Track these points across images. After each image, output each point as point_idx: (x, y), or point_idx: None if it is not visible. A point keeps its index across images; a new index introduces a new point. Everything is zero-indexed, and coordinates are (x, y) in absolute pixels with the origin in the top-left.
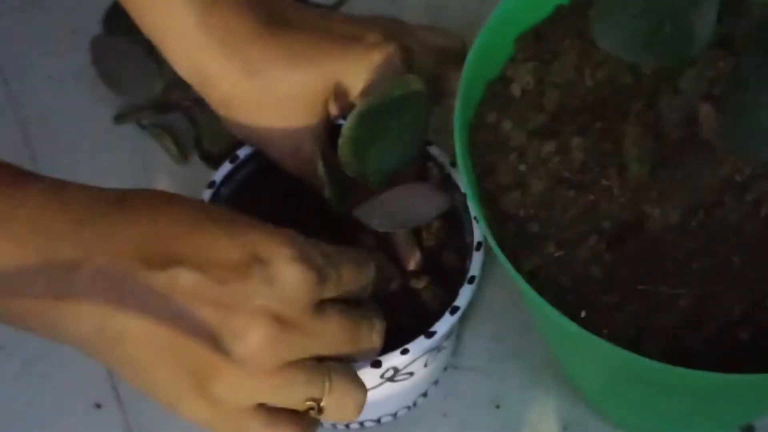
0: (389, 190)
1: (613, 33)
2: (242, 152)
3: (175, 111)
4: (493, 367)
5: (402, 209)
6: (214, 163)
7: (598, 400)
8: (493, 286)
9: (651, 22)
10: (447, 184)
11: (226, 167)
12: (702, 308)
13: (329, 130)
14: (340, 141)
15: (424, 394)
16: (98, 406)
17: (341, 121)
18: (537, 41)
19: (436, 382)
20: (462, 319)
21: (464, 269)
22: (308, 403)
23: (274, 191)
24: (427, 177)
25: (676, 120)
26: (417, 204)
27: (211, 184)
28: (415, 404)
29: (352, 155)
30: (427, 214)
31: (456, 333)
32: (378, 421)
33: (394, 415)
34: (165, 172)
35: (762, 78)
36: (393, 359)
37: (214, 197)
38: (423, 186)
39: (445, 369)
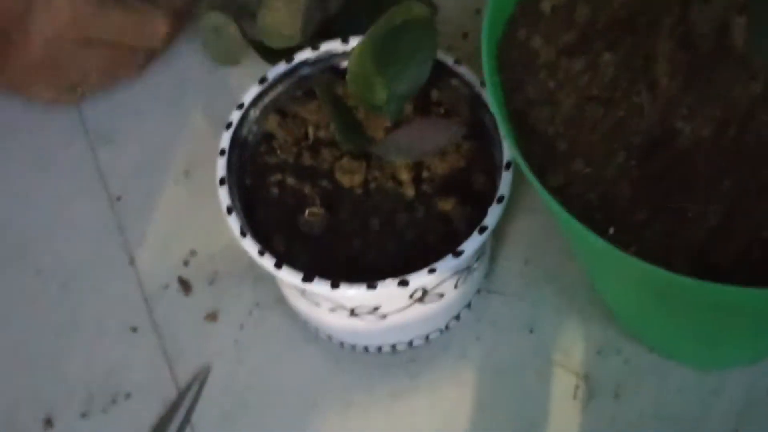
0: (401, 128)
1: None
2: (271, 74)
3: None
4: (527, 291)
5: (416, 143)
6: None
7: (631, 322)
8: (528, 211)
9: None
10: (477, 104)
11: (255, 89)
12: (732, 223)
13: (334, 70)
14: (348, 76)
15: (457, 317)
16: (134, 329)
17: (345, 64)
18: None
19: (468, 305)
20: (496, 243)
21: (494, 189)
22: None
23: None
24: (456, 98)
25: (707, 32)
26: (430, 136)
27: (240, 106)
28: (447, 327)
29: (361, 88)
30: (440, 144)
31: (489, 256)
32: (410, 343)
33: (426, 337)
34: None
35: None
36: (421, 278)
37: (242, 120)
38: (434, 119)
39: (478, 292)
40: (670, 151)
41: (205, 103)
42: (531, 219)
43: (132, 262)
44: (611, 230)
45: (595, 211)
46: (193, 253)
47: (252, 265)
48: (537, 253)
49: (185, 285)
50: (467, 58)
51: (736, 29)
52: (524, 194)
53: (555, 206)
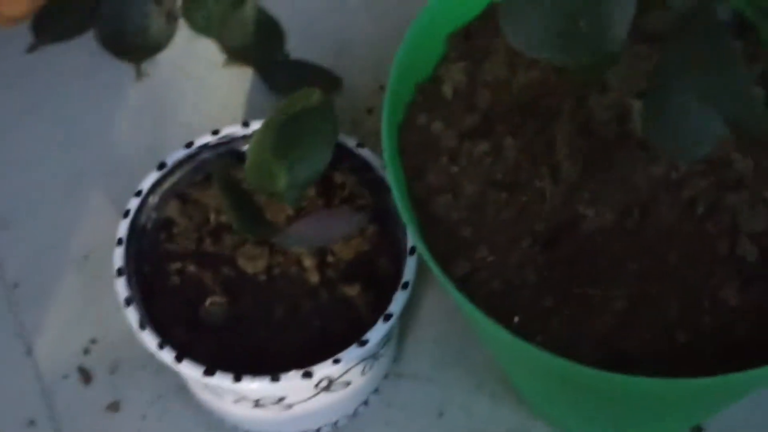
0: (304, 219)
1: (525, 31)
2: (170, 159)
3: None
4: (436, 373)
5: (320, 233)
6: None
7: (541, 405)
8: (434, 292)
9: (563, 18)
10: (381, 187)
11: (154, 175)
12: (638, 310)
13: (234, 154)
14: (247, 164)
15: (365, 403)
16: (32, 423)
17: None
18: (469, 40)
19: (376, 391)
20: (403, 326)
21: (400, 273)
22: None
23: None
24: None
25: (606, 118)
26: (334, 226)
27: (138, 193)
28: (356, 413)
29: (261, 176)
30: (343, 234)
31: (396, 339)
32: (318, 431)
33: (335, 424)
34: None
35: (683, 73)
36: (325, 369)
37: (140, 207)
38: (337, 209)
39: (386, 376)
40: (574, 236)
41: (104, 184)
42: (438, 300)
43: (29, 351)
44: (516, 319)
45: (499, 299)
46: (93, 341)
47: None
48: (445, 334)
49: (85, 374)
50: (372, 134)
51: (635, 114)
52: (431, 274)
53: (459, 297)
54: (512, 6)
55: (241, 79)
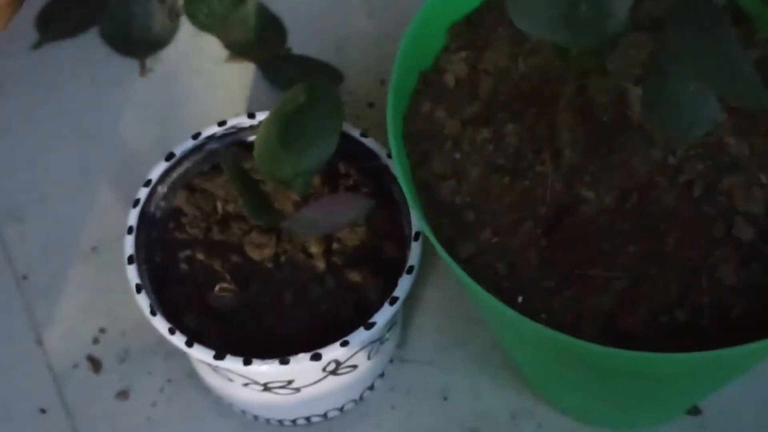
0: (311, 204)
1: (530, 13)
2: (178, 150)
3: None
4: (440, 357)
5: (326, 218)
6: None
7: (543, 386)
8: (437, 277)
9: (567, 1)
10: (385, 176)
11: (162, 165)
12: (638, 290)
13: (241, 144)
14: (255, 152)
15: (371, 387)
16: (43, 411)
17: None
18: (470, 30)
19: (382, 375)
20: (407, 311)
21: (404, 259)
22: None
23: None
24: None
25: (606, 102)
26: (340, 212)
27: (147, 183)
28: (362, 398)
29: (268, 164)
30: (350, 219)
31: (401, 324)
32: (324, 415)
33: (341, 409)
34: None
35: (682, 56)
36: (333, 351)
37: (149, 197)
38: (343, 194)
39: (391, 361)
40: (576, 219)
41: (112, 177)
42: (442, 285)
43: (40, 341)
44: (520, 299)
45: (504, 280)
46: (102, 330)
47: (163, 340)
48: (449, 319)
49: (95, 363)
50: (374, 127)
51: (633, 99)
52: (434, 261)
53: (465, 278)
54: None
55: (245, 74)
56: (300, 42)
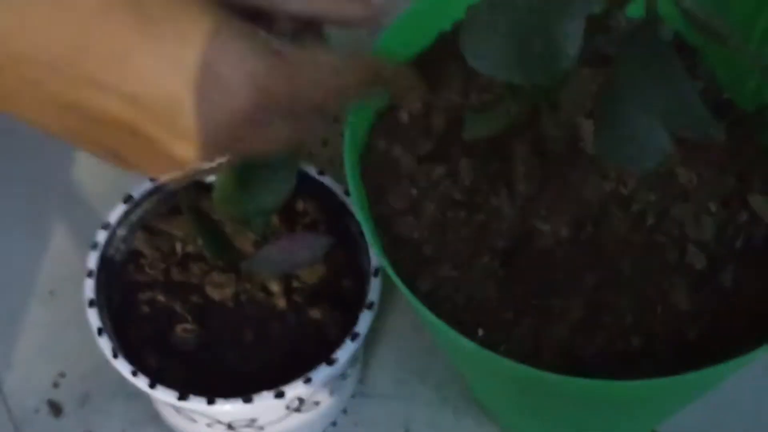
0: (270, 245)
1: (484, 53)
2: (136, 192)
3: None
4: (400, 391)
5: (286, 259)
6: None
7: (504, 415)
8: (396, 311)
9: (519, 40)
10: (342, 212)
11: (121, 208)
12: (594, 318)
13: (201, 186)
14: (214, 194)
15: (333, 423)
16: None
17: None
18: (423, 68)
19: (344, 411)
20: (366, 346)
21: (363, 294)
22: None
23: None
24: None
25: (558, 136)
26: (299, 252)
27: (106, 226)
28: None
29: (227, 205)
30: (309, 259)
31: (361, 360)
32: None
33: None
34: None
35: (632, 90)
36: (296, 388)
37: (109, 240)
38: (302, 234)
39: (353, 396)
40: (532, 250)
41: (65, 220)
42: (401, 318)
43: None
44: (480, 331)
45: (463, 312)
46: (62, 374)
47: (123, 383)
48: (408, 351)
49: (55, 408)
50: (329, 163)
51: (585, 132)
52: (393, 295)
53: (425, 312)
54: (472, 31)
55: None
56: None
